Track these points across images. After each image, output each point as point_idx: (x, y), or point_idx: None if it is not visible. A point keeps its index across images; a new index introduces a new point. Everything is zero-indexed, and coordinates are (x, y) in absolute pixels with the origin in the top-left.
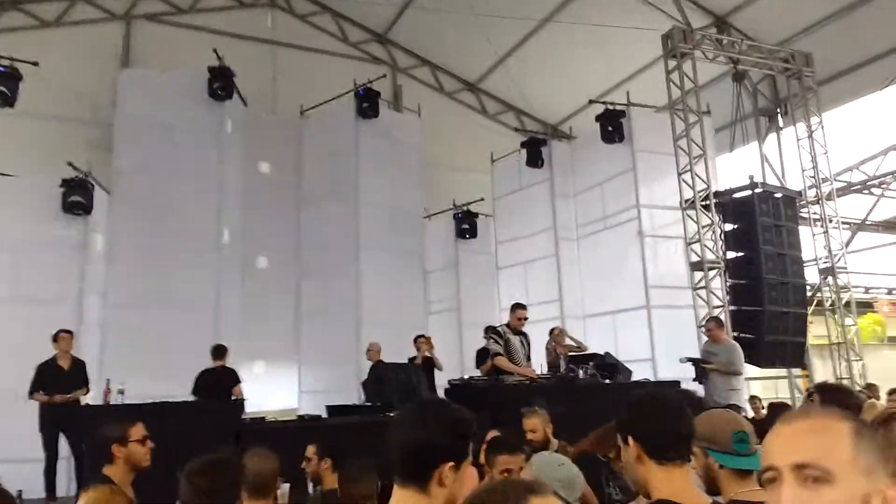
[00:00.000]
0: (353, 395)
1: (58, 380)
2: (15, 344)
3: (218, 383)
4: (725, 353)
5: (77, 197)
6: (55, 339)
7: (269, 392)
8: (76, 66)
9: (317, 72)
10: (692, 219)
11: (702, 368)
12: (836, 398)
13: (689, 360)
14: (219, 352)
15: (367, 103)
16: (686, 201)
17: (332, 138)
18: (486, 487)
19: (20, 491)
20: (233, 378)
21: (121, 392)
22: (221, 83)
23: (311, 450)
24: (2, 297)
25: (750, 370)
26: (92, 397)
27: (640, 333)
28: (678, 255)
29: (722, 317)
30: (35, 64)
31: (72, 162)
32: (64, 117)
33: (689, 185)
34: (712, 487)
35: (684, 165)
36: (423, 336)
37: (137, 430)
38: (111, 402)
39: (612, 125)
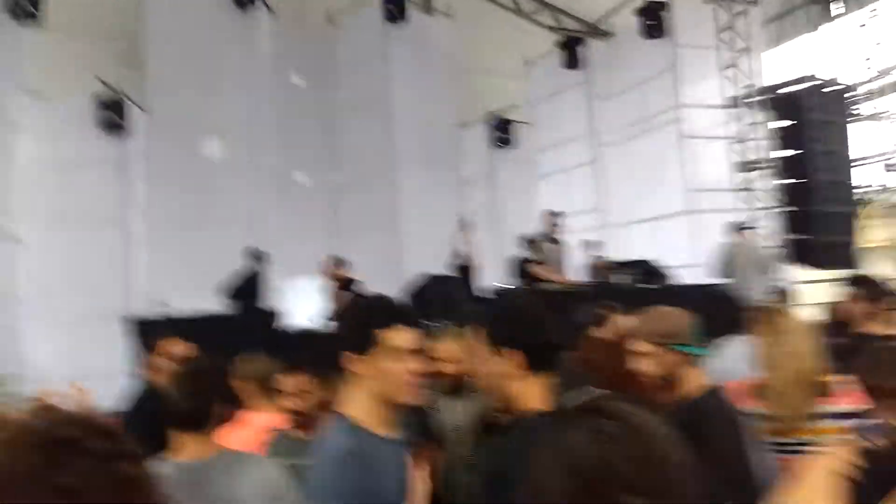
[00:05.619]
0: None
1: None
2: (65, 267)
3: None
4: None
5: (112, 115)
6: None
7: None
8: None
9: None
10: (737, 118)
11: None
12: None
13: None
14: None
15: (392, 5)
16: (731, 99)
17: (362, 47)
18: None
19: None
20: None
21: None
22: None
23: None
24: (47, 220)
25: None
26: None
27: (682, 239)
28: (721, 157)
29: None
30: None
31: (102, 79)
32: (90, 32)
33: (733, 82)
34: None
35: (728, 60)
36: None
37: None
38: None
39: (653, 19)
